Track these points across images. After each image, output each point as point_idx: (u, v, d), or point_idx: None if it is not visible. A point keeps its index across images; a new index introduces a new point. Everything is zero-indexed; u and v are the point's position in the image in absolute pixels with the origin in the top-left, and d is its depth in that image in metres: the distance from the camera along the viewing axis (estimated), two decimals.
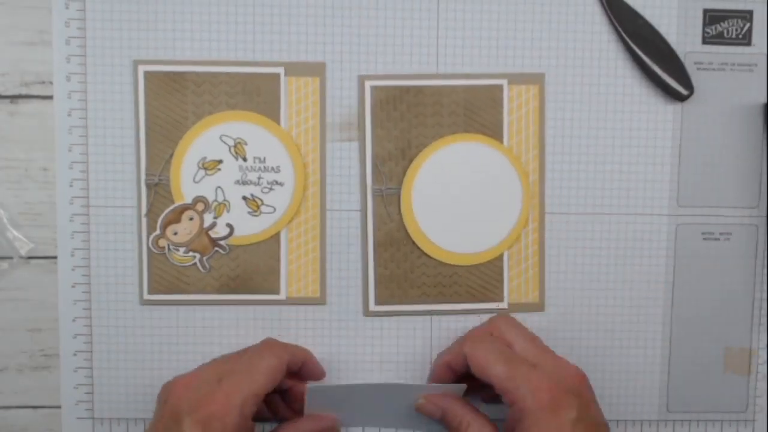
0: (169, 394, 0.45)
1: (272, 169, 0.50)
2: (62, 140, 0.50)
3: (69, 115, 0.50)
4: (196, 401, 0.44)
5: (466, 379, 0.48)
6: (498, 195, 0.50)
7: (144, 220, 0.50)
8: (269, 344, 0.48)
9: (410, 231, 0.51)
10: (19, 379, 0.51)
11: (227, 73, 0.50)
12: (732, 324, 0.52)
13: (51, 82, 0.50)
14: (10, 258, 0.50)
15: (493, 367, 0.44)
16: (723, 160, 0.51)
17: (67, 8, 0.49)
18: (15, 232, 0.50)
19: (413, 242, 0.51)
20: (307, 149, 0.51)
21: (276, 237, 0.51)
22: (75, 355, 0.51)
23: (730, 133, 0.51)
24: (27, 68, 0.50)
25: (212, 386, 0.44)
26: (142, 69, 0.50)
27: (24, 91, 0.50)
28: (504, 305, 0.51)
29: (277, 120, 0.50)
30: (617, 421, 0.53)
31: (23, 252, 0.50)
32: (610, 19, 0.50)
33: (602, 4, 0.50)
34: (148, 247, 0.50)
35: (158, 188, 0.50)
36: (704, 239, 0.52)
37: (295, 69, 0.50)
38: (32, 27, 0.49)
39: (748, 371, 0.53)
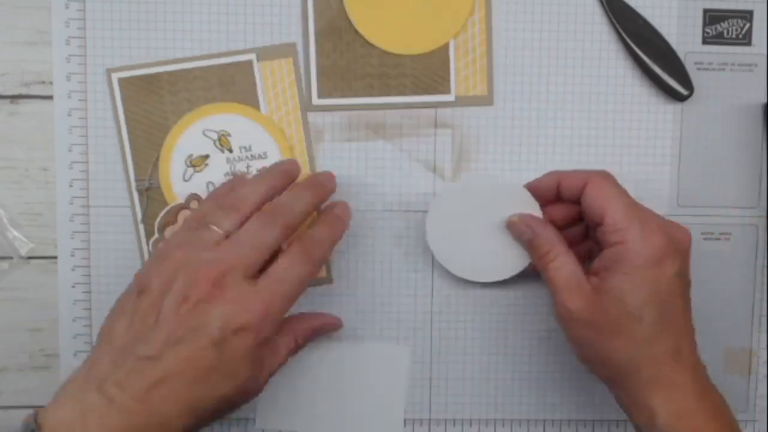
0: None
1: (259, 155, 0.50)
2: (62, 140, 0.50)
3: (69, 115, 0.50)
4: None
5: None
6: None
7: (141, 227, 0.50)
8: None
9: (353, 19, 0.49)
10: (19, 379, 0.51)
11: (200, 68, 0.50)
12: (732, 324, 0.52)
13: (51, 82, 0.50)
14: (10, 258, 0.50)
15: (614, 202, 0.44)
16: (723, 160, 0.51)
17: (67, 8, 0.49)
18: (15, 232, 0.50)
19: (355, 30, 0.49)
20: (291, 131, 0.50)
21: None
22: (75, 355, 0.51)
23: (730, 133, 0.51)
24: (27, 68, 0.50)
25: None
26: (115, 77, 0.49)
27: (24, 91, 0.50)
28: (451, 98, 0.50)
29: (256, 106, 0.50)
30: (617, 421, 0.53)
31: (23, 252, 0.50)
32: (610, 19, 0.50)
33: (602, 4, 0.50)
34: (149, 250, 0.50)
35: (150, 192, 0.50)
36: (704, 239, 0.52)
37: (266, 53, 0.50)
38: (32, 27, 0.49)
39: (748, 371, 0.53)
